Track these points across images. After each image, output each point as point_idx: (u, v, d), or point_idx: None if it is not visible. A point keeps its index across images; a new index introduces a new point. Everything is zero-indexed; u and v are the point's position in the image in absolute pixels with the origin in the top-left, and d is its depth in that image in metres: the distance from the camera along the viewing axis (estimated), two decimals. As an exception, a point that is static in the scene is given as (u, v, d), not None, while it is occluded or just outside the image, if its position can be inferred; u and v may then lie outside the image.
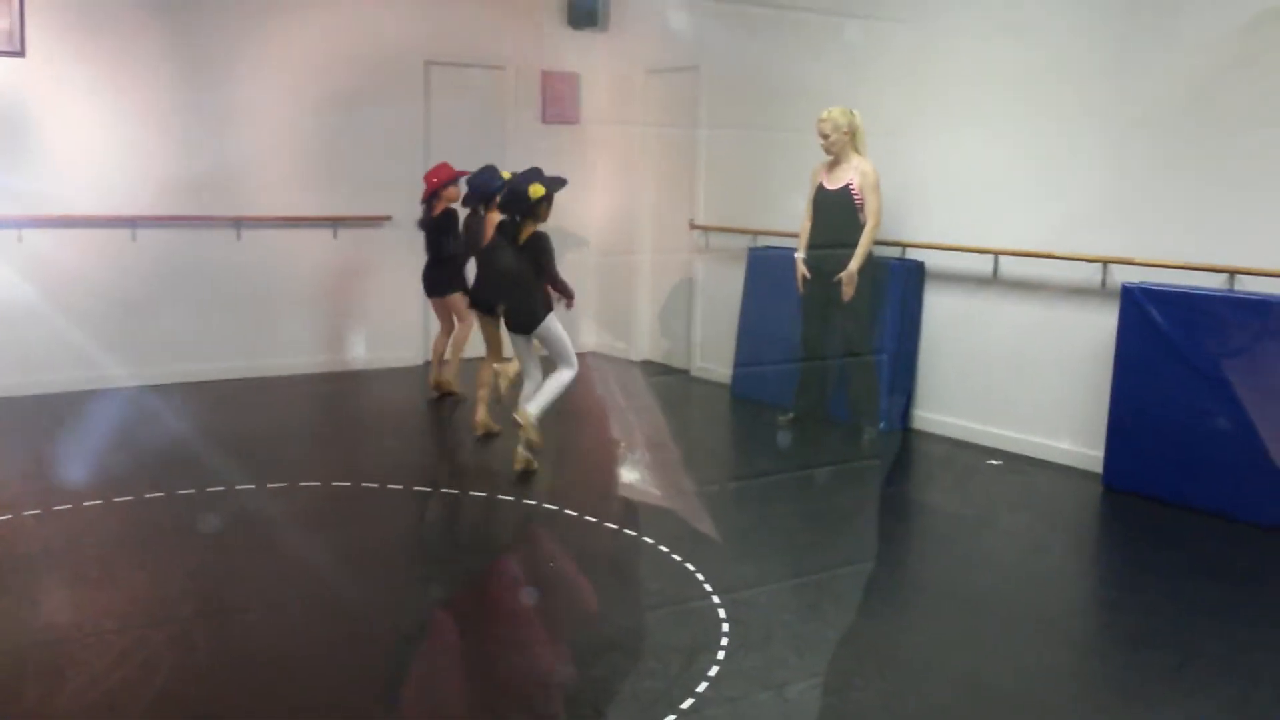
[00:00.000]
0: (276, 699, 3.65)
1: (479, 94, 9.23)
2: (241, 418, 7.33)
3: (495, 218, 6.59)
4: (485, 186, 6.76)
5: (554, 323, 5.99)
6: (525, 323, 6.00)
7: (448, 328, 7.84)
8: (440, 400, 7.79)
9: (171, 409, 7.36)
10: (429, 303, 8.06)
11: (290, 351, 8.50)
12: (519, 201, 5.93)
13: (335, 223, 8.63)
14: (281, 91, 8.32)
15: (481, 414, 6.77)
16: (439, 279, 7.70)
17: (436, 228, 7.61)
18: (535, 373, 6.19)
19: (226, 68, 8.11)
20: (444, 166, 7.65)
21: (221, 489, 5.62)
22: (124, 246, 7.85)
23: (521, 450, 5.90)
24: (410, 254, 8.94)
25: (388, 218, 8.81)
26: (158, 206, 7.92)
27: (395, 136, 8.80)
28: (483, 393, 6.77)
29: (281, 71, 8.30)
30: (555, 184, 6.07)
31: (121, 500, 5.42)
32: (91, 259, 7.75)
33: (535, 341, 6.10)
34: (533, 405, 5.93)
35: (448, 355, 7.79)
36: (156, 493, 5.52)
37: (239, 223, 8.24)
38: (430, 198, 7.60)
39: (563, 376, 6.01)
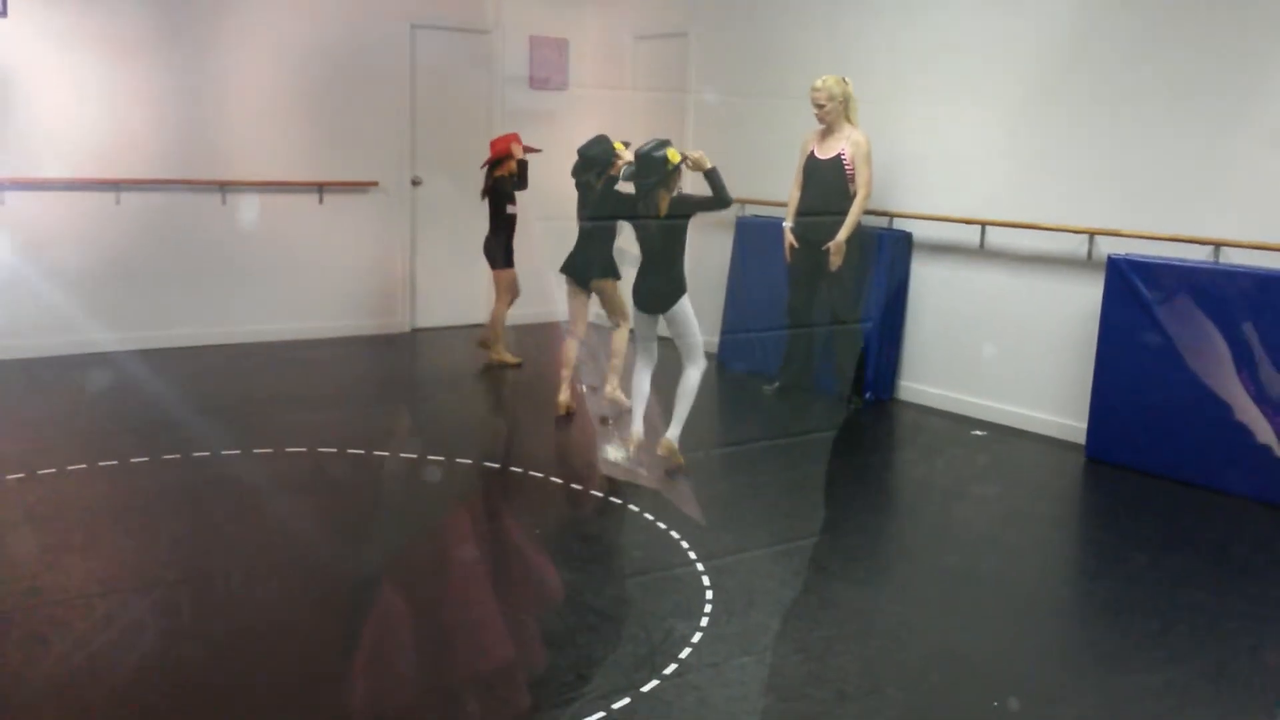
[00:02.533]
0: (260, 664, 3.67)
1: (466, 58, 9.16)
2: (227, 383, 7.32)
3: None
4: (597, 157, 6.51)
5: (688, 305, 5.55)
6: (658, 303, 5.55)
7: (505, 297, 7.82)
8: (499, 369, 7.79)
9: (156, 374, 7.33)
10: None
11: (276, 317, 8.47)
12: (654, 169, 5.39)
13: (321, 188, 8.57)
14: (267, 54, 8.25)
15: (564, 394, 6.57)
16: (489, 251, 7.76)
17: (491, 197, 7.66)
18: (652, 354, 5.78)
19: (212, 30, 8.03)
20: (510, 136, 7.65)
21: (206, 454, 5.62)
22: (108, 210, 7.80)
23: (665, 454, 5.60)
24: (398, 220, 8.93)
25: (374, 183, 8.77)
26: (142, 170, 7.86)
27: (382, 101, 8.74)
28: (565, 372, 6.62)
29: (267, 34, 8.22)
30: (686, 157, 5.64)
31: (106, 465, 5.42)
32: (75, 223, 7.69)
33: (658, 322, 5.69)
34: (671, 430, 5.56)
35: (491, 327, 7.85)
36: (141, 457, 5.52)
37: (224, 187, 8.19)
38: (491, 166, 7.61)
39: (691, 380, 5.58)
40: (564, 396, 6.55)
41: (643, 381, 5.73)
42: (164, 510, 4.99)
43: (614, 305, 6.69)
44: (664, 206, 5.44)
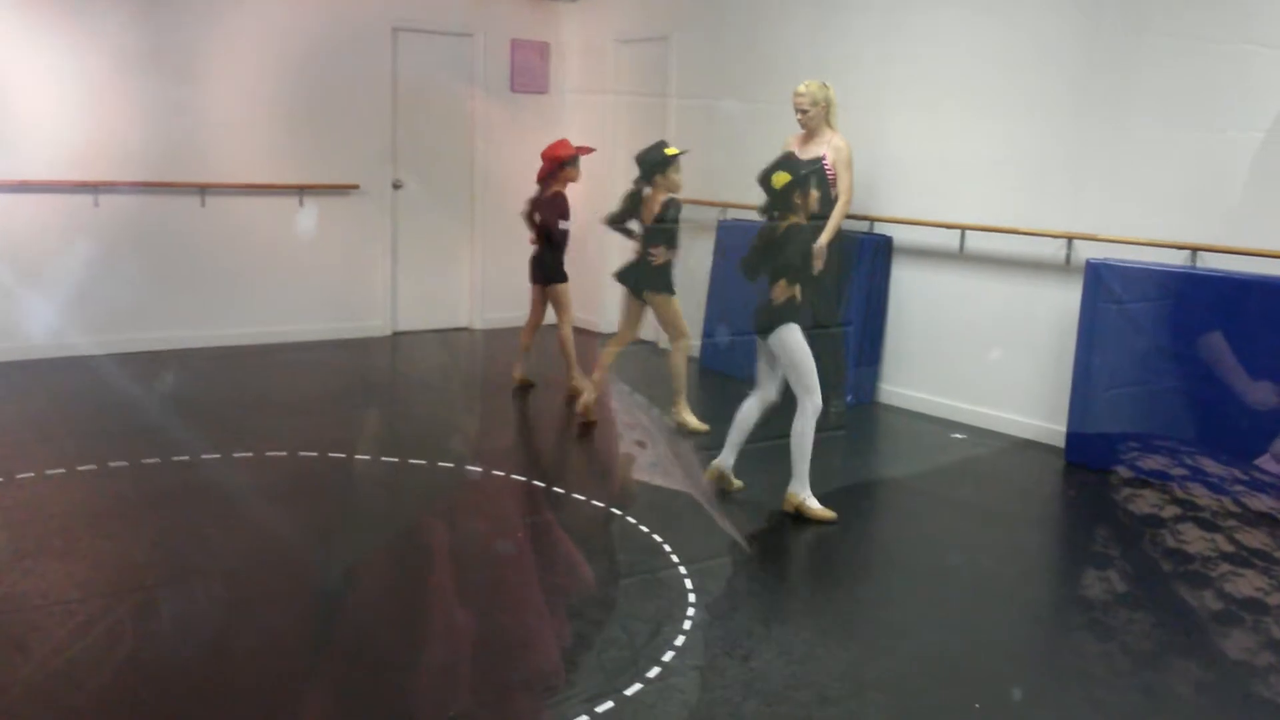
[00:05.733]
0: (241, 668, 3.65)
1: (447, 62, 9.15)
2: (207, 387, 7.28)
3: (660, 196, 6.26)
4: (654, 162, 6.26)
5: (795, 333, 5.06)
6: (763, 323, 5.17)
7: (537, 319, 7.31)
8: (523, 391, 7.27)
9: (135, 378, 7.29)
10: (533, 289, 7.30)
11: (256, 320, 8.44)
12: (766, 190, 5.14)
13: (301, 191, 8.54)
14: (248, 56, 8.21)
15: (587, 396, 6.46)
16: (546, 266, 7.12)
17: (550, 210, 7.00)
18: (768, 386, 5.32)
19: (193, 32, 7.99)
20: (563, 143, 7.06)
21: (186, 458, 5.59)
22: (86, 212, 7.75)
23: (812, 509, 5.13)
24: (379, 223, 8.91)
25: (355, 186, 8.74)
26: (121, 172, 7.81)
27: (363, 104, 8.72)
28: (597, 375, 6.51)
29: (248, 36, 8.19)
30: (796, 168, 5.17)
31: (85, 469, 5.38)
32: (53, 225, 7.63)
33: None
34: (795, 484, 5.12)
35: (562, 352, 7.22)
36: (120, 461, 5.48)
37: (203, 189, 8.15)
38: (546, 177, 7.00)
39: (804, 424, 5.07)
40: (586, 398, 6.48)
41: (747, 410, 5.34)
42: (143, 515, 4.96)
43: (667, 320, 6.51)
44: (781, 227, 5.10)
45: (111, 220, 7.83)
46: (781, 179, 5.07)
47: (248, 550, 4.62)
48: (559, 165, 6.96)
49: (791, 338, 5.06)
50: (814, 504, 5.08)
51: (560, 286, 7.11)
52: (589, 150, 7.15)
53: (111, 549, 4.56)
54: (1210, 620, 4.17)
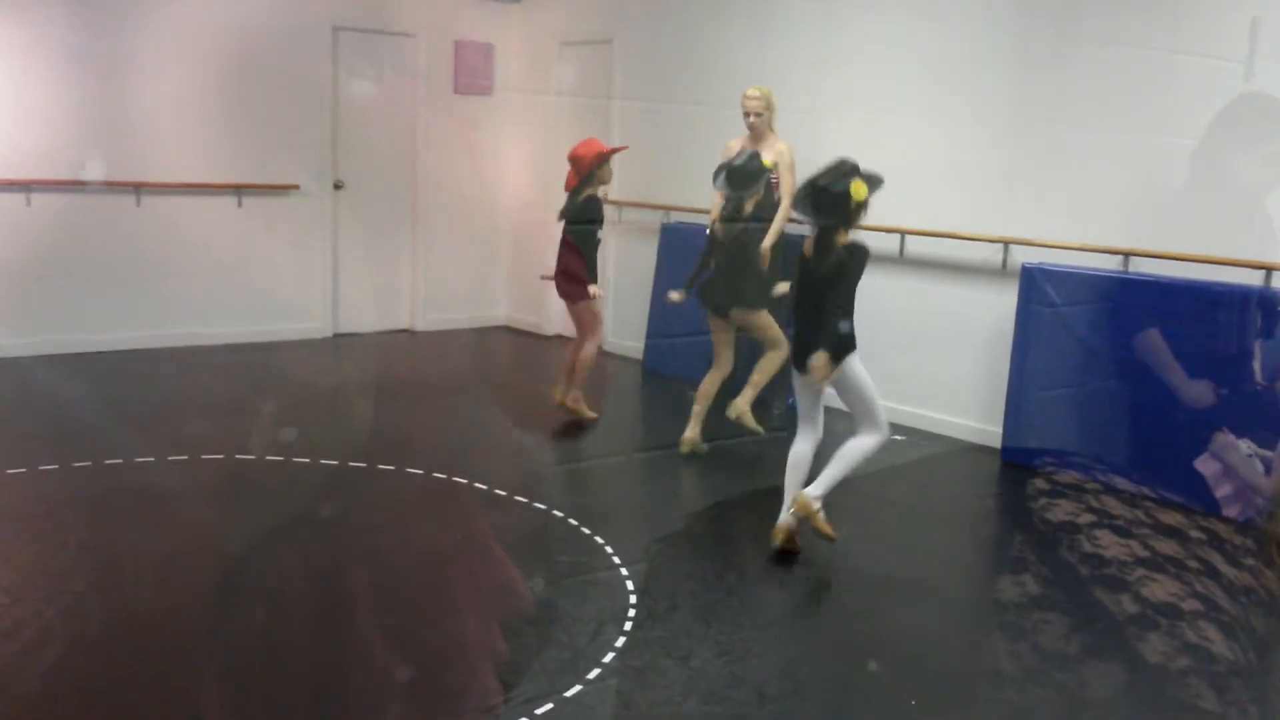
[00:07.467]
0: (170, 673, 3.60)
1: (389, 62, 9.08)
2: (141, 389, 7.15)
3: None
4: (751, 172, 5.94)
5: (858, 365, 4.60)
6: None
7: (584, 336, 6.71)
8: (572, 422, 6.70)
9: (69, 379, 7.15)
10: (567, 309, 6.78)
11: (193, 322, 8.31)
12: (834, 205, 4.49)
13: (240, 190, 8.43)
14: (186, 53, 8.08)
15: (691, 430, 6.14)
16: (574, 281, 6.54)
17: (582, 217, 6.49)
18: (815, 424, 4.85)
19: (129, 27, 7.85)
20: (594, 142, 6.56)
21: (120, 461, 5.49)
22: (18, 212, 7.58)
23: (788, 520, 4.71)
24: (319, 223, 8.81)
25: (295, 186, 8.64)
26: (54, 170, 7.65)
27: (303, 103, 8.62)
28: (698, 408, 6.17)
29: (186, 33, 8.06)
30: (875, 184, 4.59)
31: (15, 472, 5.26)
32: (-18, 224, 7.47)
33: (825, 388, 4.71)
34: (816, 487, 4.58)
35: (574, 373, 6.69)
36: (50, 465, 5.37)
37: (139, 189, 8.01)
38: (581, 183, 6.44)
39: (864, 444, 4.62)
40: (690, 432, 6.17)
41: (798, 455, 4.80)
42: (73, 518, 4.85)
43: (761, 332, 6.25)
44: (837, 247, 4.58)
45: (45, 219, 7.66)
46: (862, 190, 4.42)
47: (180, 555, 4.54)
48: (597, 165, 6.45)
49: (861, 367, 4.61)
50: (822, 516, 4.60)
51: (585, 304, 6.59)
52: (619, 149, 6.72)
53: (41, 552, 4.46)
54: (1144, 617, 4.25)
